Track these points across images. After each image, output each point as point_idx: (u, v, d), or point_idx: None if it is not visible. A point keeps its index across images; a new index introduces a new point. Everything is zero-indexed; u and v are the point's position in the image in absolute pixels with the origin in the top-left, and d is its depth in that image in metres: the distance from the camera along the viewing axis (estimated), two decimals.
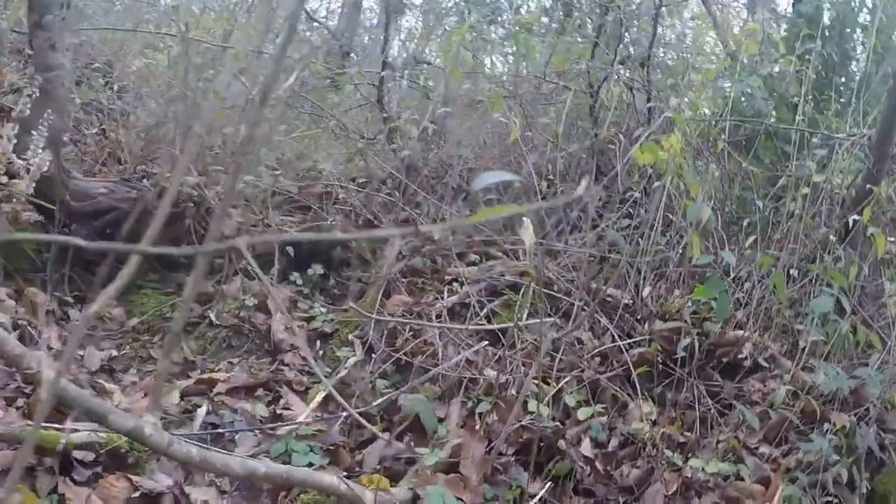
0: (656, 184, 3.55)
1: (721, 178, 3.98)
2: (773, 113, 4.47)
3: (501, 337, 3.18)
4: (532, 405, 2.80)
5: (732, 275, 3.56)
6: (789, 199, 3.59)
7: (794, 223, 3.59)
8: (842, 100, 4.85)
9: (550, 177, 4.62)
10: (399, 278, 3.64)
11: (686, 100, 3.91)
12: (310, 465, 2.57)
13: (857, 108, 4.37)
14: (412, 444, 2.72)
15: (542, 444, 2.74)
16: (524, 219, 2.51)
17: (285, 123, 5.25)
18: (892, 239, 3.25)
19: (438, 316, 3.31)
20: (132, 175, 3.76)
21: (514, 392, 2.77)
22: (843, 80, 4.93)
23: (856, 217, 3.14)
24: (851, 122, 4.43)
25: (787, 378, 3.11)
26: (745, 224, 3.61)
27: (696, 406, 3.07)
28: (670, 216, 3.57)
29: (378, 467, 2.62)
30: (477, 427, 2.70)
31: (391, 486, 2.46)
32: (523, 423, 2.74)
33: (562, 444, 2.71)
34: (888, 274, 3.10)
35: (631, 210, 3.77)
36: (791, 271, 3.40)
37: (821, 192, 3.75)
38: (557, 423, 2.79)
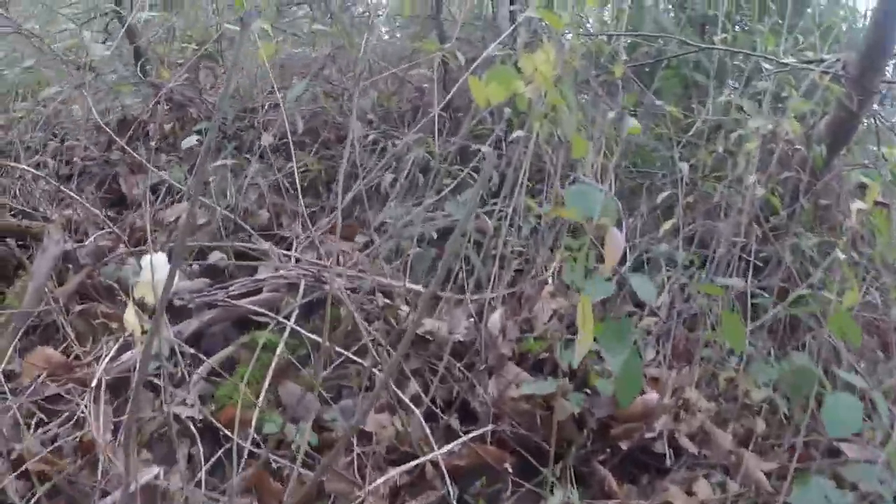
0: (516, 133, 2.03)
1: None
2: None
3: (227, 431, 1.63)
4: None
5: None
6: (731, 157, 2.19)
7: (734, 196, 2.19)
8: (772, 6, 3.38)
9: (370, 117, 3.09)
10: (70, 307, 1.98)
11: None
12: None
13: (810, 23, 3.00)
14: None
15: None
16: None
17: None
18: None
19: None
20: None
21: None
22: None
23: (862, 205, 1.74)
24: (795, 44, 3.06)
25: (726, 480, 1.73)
26: (655, 202, 2.16)
27: None
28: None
29: None
30: None
31: None
32: None
33: None
34: None
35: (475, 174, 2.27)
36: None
37: (771, 147, 2.35)
38: None
